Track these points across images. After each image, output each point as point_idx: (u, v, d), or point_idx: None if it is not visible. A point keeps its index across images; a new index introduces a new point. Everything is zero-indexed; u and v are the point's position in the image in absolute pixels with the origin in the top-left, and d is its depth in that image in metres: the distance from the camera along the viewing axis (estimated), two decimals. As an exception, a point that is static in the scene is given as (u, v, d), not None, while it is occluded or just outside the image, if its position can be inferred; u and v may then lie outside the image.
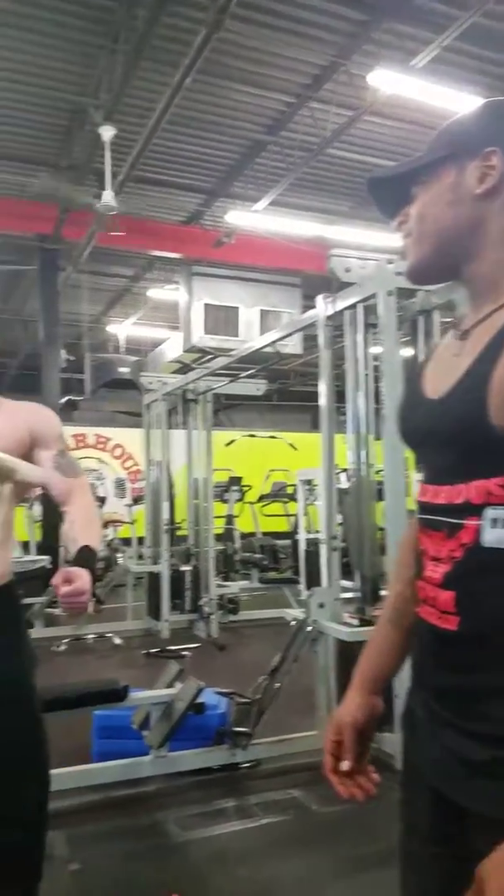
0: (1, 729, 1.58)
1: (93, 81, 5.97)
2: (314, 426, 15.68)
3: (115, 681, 3.00)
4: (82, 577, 1.51)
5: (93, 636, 6.03)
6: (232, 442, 8.53)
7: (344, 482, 3.79)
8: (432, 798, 0.95)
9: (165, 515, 6.20)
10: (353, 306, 3.33)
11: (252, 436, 9.40)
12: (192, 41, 4.77)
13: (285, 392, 14.00)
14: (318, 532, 5.78)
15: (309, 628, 3.12)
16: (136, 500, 8.74)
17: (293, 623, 3.24)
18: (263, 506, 9.01)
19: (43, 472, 1.70)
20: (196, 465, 6.55)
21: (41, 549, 7.67)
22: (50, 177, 7.37)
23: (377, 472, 3.36)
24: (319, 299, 3.48)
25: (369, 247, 7.50)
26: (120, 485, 12.97)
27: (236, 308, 8.63)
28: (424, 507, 0.97)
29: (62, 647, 5.73)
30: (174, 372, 8.75)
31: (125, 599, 6.63)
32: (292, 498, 8.21)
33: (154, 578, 6.22)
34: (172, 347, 9.71)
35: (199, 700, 2.93)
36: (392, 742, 2.61)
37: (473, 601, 0.88)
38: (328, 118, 6.39)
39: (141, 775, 3.01)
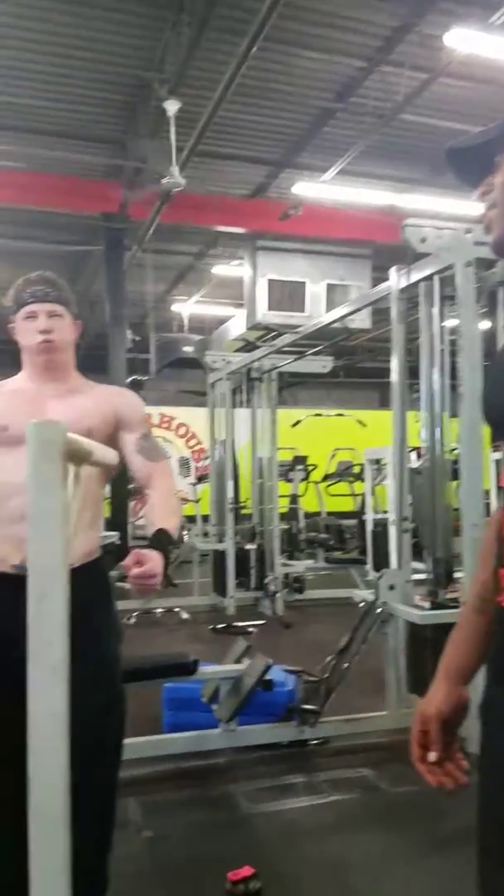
0: (90, 702, 1.63)
1: (157, 55, 5.93)
2: (382, 404, 15.44)
3: (186, 655, 3.03)
4: (153, 559, 1.51)
5: (161, 610, 6.14)
6: (298, 423, 8.45)
7: (414, 461, 3.69)
8: None
9: (230, 494, 6.23)
10: (428, 278, 3.21)
11: (318, 415, 9.27)
12: (258, 8, 4.64)
13: (352, 369, 13.76)
14: (385, 512, 5.71)
15: (378, 610, 3.07)
16: (201, 479, 8.81)
17: (362, 604, 3.19)
18: (329, 485, 8.92)
19: (116, 455, 1.72)
20: (260, 444, 6.53)
21: (110, 526, 7.85)
22: (116, 154, 7.41)
23: (451, 450, 3.26)
24: (393, 271, 3.37)
25: (445, 215, 7.22)
26: (184, 464, 13.12)
27: (302, 283, 8.47)
28: None
29: (132, 620, 5.85)
30: (238, 350, 8.72)
31: (191, 575, 6.71)
32: (359, 477, 8.10)
33: (219, 556, 6.27)
34: (236, 325, 9.67)
35: (268, 677, 2.93)
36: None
37: None
38: (401, 82, 6.15)
39: (210, 747, 3.05)
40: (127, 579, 1.56)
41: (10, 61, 6.07)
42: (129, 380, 9.92)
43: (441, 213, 7.41)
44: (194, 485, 8.78)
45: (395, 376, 3.35)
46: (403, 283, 3.30)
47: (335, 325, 4.77)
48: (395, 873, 2.26)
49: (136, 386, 13.15)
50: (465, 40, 5.04)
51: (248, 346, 8.48)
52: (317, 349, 5.95)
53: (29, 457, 1.06)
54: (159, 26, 5.58)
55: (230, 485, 6.26)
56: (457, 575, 3.15)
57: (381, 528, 5.30)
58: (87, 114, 6.97)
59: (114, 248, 8.56)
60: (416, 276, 3.25)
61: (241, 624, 5.41)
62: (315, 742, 3.13)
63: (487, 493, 3.02)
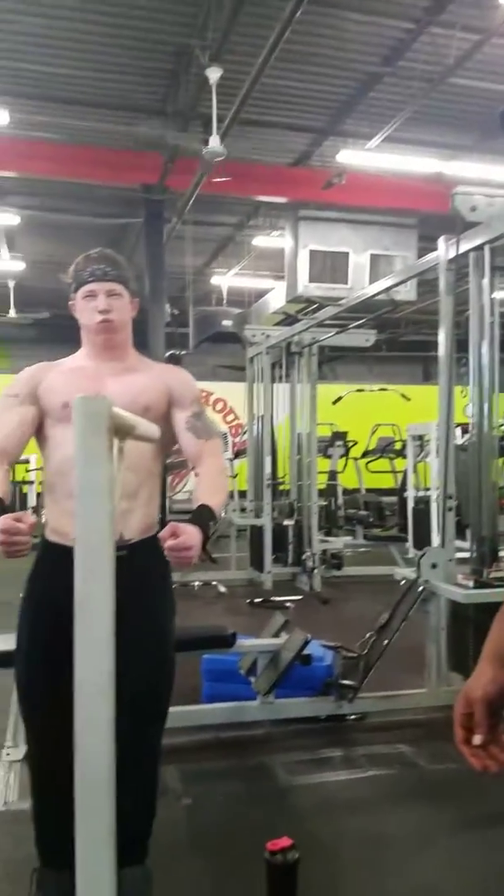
0: (146, 670, 1.69)
1: (199, 21, 5.81)
2: (426, 378, 15.22)
3: (224, 627, 3.05)
4: (189, 533, 1.52)
5: (198, 584, 6.19)
6: (339, 399, 8.33)
7: (459, 438, 3.61)
8: None
9: (268, 470, 6.21)
10: (479, 248, 3.10)
11: (360, 390, 9.12)
12: (303, -31, 4.51)
13: (395, 342, 13.52)
14: (427, 490, 5.63)
15: (420, 588, 3.03)
16: (238, 454, 8.81)
17: (403, 582, 3.16)
18: (369, 461, 8.82)
19: (158, 430, 1.75)
20: (299, 419, 6.48)
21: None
22: (155, 124, 7.32)
23: (498, 427, 3.17)
24: (441, 241, 3.27)
25: (496, 182, 7.00)
26: (222, 439, 13.15)
27: (345, 253, 8.30)
28: None
29: (169, 593, 5.91)
30: (277, 324, 8.63)
31: (228, 550, 6.74)
32: (400, 454, 8.00)
33: (257, 531, 6.28)
34: (276, 298, 9.56)
35: (306, 652, 2.93)
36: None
37: None
38: (451, 44, 5.93)
39: (248, 719, 3.07)
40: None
41: (49, 31, 6.02)
42: (167, 354, 9.95)
43: (491, 180, 7.17)
44: (231, 460, 8.79)
45: (442, 350, 3.26)
46: (452, 254, 3.19)
47: (379, 297, 4.66)
48: (431, 849, 2.25)
49: (173, 361, 13.19)
50: (521, -3, 4.80)
51: (288, 320, 8.39)
52: (359, 322, 5.82)
53: (76, 431, 1.07)
54: (201, -9, 5.47)
55: (268, 460, 6.23)
56: (502, 554, 3.10)
57: (422, 505, 5.23)
58: (127, 83, 6.89)
59: (153, 220, 8.51)
60: (465, 246, 3.14)
61: (278, 599, 5.45)
62: (353, 717, 3.13)
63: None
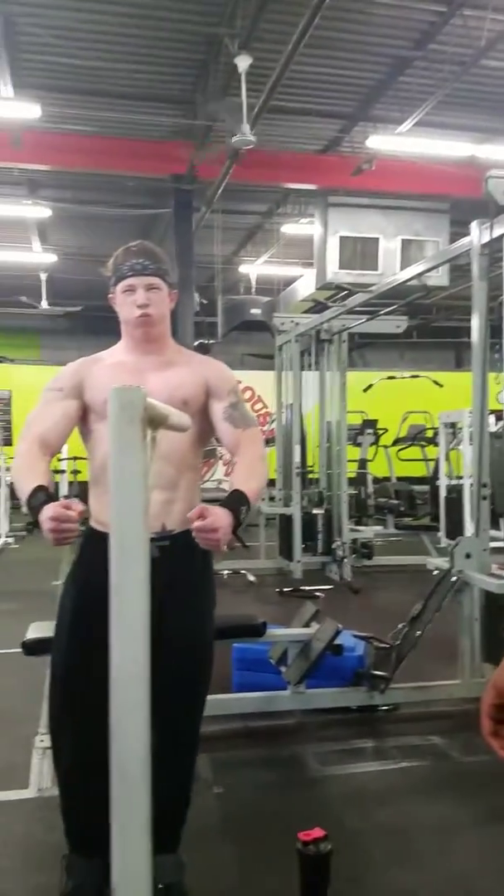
0: (186, 659, 1.71)
1: (227, 10, 5.78)
2: (458, 364, 15.00)
3: (254, 616, 3.04)
4: (217, 515, 1.52)
5: (227, 572, 6.21)
6: (370, 387, 8.24)
7: (493, 425, 3.55)
8: None
9: (297, 458, 6.19)
10: (513, 232, 3.03)
11: (391, 377, 9.00)
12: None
13: (426, 328, 13.35)
14: (459, 478, 5.55)
15: (454, 578, 2.99)
16: (267, 443, 8.78)
17: (435, 572, 3.12)
18: (399, 449, 8.73)
19: (189, 420, 1.75)
20: (329, 407, 6.44)
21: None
22: (184, 114, 7.31)
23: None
24: (474, 226, 3.20)
25: (529, 167, 6.84)
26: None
27: (376, 239, 8.21)
28: None
29: (199, 581, 5.95)
30: (306, 311, 8.58)
31: (258, 539, 6.74)
32: (432, 441, 7.90)
33: (286, 520, 6.27)
34: (305, 285, 9.49)
35: (337, 641, 2.91)
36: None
37: None
38: (483, 26, 5.80)
39: (279, 709, 3.07)
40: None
41: (80, 24, 6.04)
42: (196, 343, 9.97)
43: (525, 164, 7.01)
44: (260, 448, 8.76)
45: (475, 336, 3.20)
46: (486, 238, 3.12)
47: (411, 282, 4.60)
48: (464, 842, 2.24)
49: (202, 350, 13.20)
50: None
51: (317, 307, 8.33)
52: (390, 308, 5.75)
53: (110, 421, 1.08)
54: (230, -21, 5.42)
55: (297, 449, 6.21)
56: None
57: (455, 494, 5.16)
58: (156, 74, 6.89)
59: (182, 210, 8.52)
60: (499, 231, 3.07)
61: (308, 588, 5.46)
62: (385, 708, 3.11)
63: None
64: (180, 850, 1.87)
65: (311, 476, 6.75)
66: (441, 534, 5.50)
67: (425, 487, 7.49)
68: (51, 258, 11.42)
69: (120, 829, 1.07)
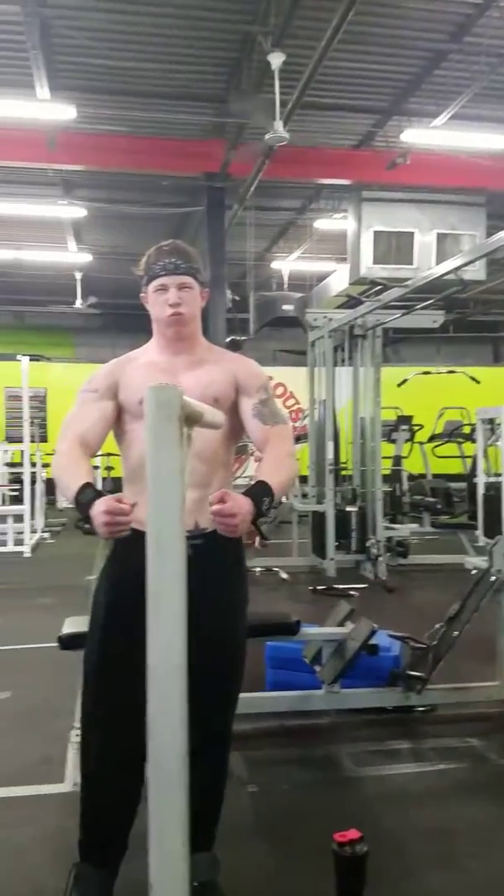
0: (219, 657, 1.72)
1: (261, 7, 5.77)
2: (496, 359, 14.74)
3: (288, 615, 3.04)
4: (237, 501, 1.52)
5: (260, 569, 6.20)
6: (404, 381, 8.13)
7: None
8: None
9: (330, 455, 6.15)
10: None
11: (427, 373, 8.87)
12: None
13: (463, 323, 13.17)
14: (498, 475, 5.46)
15: (493, 578, 2.94)
16: (298, 439, 8.74)
17: (474, 571, 3.07)
18: (435, 446, 8.60)
19: (223, 417, 1.75)
20: (362, 403, 6.38)
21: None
22: (217, 113, 7.31)
23: None
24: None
25: None
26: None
27: (410, 233, 8.13)
28: None
29: (232, 578, 5.95)
30: (339, 307, 8.51)
31: (290, 536, 6.72)
32: (469, 438, 7.77)
33: (319, 517, 6.23)
34: (338, 280, 9.43)
35: (373, 641, 2.88)
36: None
37: None
38: (521, 16, 5.68)
39: (313, 708, 3.05)
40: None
41: (115, 25, 6.09)
42: (227, 340, 9.98)
43: None
44: (292, 445, 8.72)
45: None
46: (526, 232, 3.05)
47: (447, 277, 4.52)
48: (501, 845, 2.20)
49: (234, 347, 13.20)
50: None
51: (350, 302, 8.26)
52: (426, 303, 5.66)
53: (147, 419, 1.09)
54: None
55: (330, 445, 6.17)
56: None
57: (493, 491, 5.07)
58: (189, 73, 6.91)
59: (215, 208, 8.53)
60: (540, 224, 2.99)
61: (341, 586, 5.41)
62: (421, 709, 3.07)
63: None
64: (215, 849, 1.88)
65: (344, 473, 6.70)
66: (479, 532, 5.41)
67: (462, 485, 7.38)
68: (86, 258, 11.55)
69: (158, 826, 1.07)
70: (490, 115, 7.39)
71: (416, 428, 8.29)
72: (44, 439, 10.26)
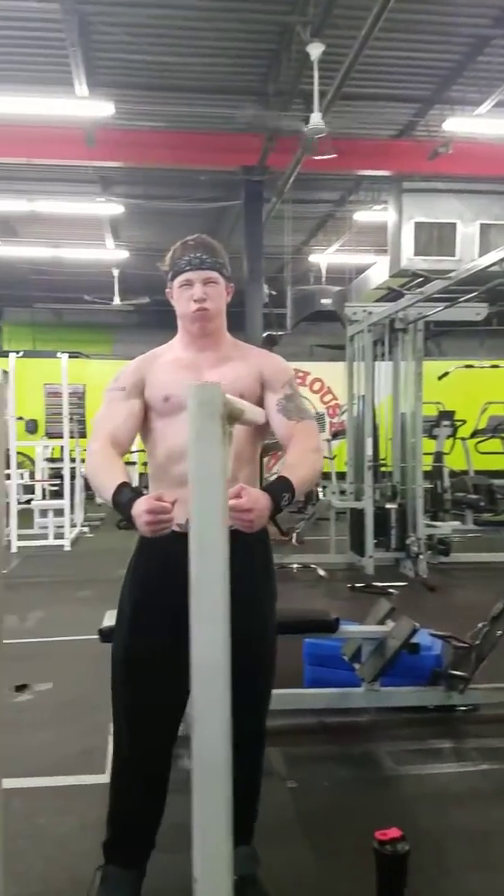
0: (250, 654, 1.72)
1: (300, -2, 5.71)
2: (542, 352, 14.22)
3: (327, 612, 3.02)
4: (254, 496, 1.50)
5: (297, 566, 6.19)
6: (446, 374, 7.99)
7: None
8: None
9: (369, 451, 6.08)
10: None
11: (469, 366, 8.70)
12: None
13: (506, 315, 12.90)
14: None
15: (538, 576, 2.87)
16: (336, 435, 8.69)
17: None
18: (478, 442, 8.45)
19: (263, 414, 1.76)
20: (403, 398, 6.30)
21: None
22: (256, 106, 7.27)
23: None
24: None
25: None
26: (319, 419, 13.03)
27: (453, 224, 7.99)
28: None
29: (268, 574, 5.94)
30: (379, 300, 8.41)
31: (328, 533, 6.68)
32: (513, 434, 7.62)
33: (357, 514, 6.17)
34: (378, 273, 9.32)
35: (414, 640, 2.85)
36: None
37: None
38: None
39: (353, 705, 3.03)
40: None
41: (153, 21, 6.10)
42: (264, 335, 9.97)
43: None
44: (329, 441, 8.69)
45: None
46: None
47: (491, 268, 4.41)
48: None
49: (270, 342, 13.17)
50: None
51: (390, 295, 8.17)
52: (470, 295, 5.53)
53: (191, 417, 1.09)
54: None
55: (369, 441, 6.10)
56: None
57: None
58: (227, 66, 6.89)
59: (253, 202, 8.51)
60: None
61: (380, 584, 5.37)
62: (463, 708, 3.02)
63: None
64: (254, 843, 1.88)
65: (383, 469, 6.63)
66: (524, 530, 5.31)
67: (508, 482, 7.24)
68: (123, 254, 11.64)
69: (201, 821, 1.07)
70: (535, 102, 7.21)
71: (458, 423, 8.15)
72: (83, 435, 10.38)
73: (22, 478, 9.38)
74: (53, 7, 5.76)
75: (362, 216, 10.04)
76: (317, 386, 13.77)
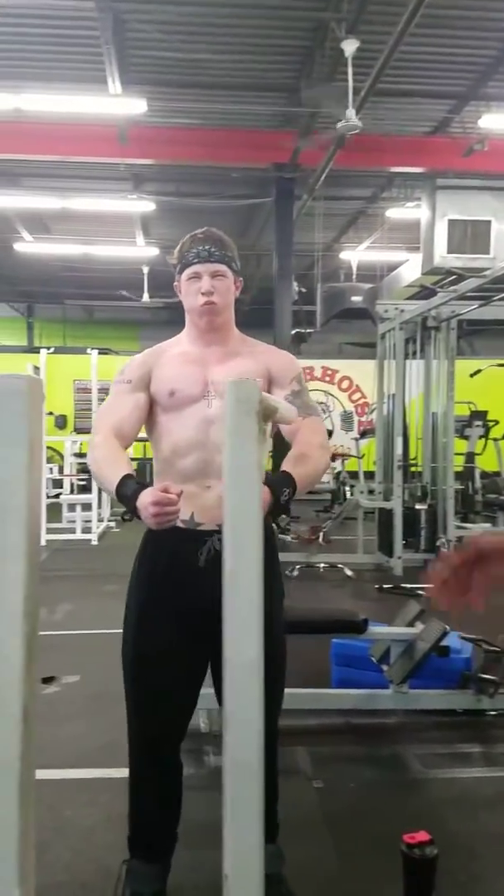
0: (266, 653, 1.67)
1: (335, -7, 5.66)
2: None
3: (356, 613, 3.00)
4: None
5: (323, 565, 6.16)
6: (477, 372, 7.88)
7: None
8: None
9: (399, 451, 6.02)
10: None
11: (502, 365, 8.58)
12: None
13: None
14: None
15: None
16: (364, 434, 8.63)
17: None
18: (511, 443, 8.33)
19: (296, 411, 1.72)
20: (434, 397, 6.23)
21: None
22: (288, 102, 7.25)
23: None
24: None
25: None
26: (347, 418, 12.95)
27: (487, 221, 7.86)
28: None
29: (294, 573, 5.94)
30: (410, 298, 8.32)
31: (355, 532, 6.64)
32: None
33: (386, 514, 6.13)
34: (410, 270, 9.23)
35: (444, 643, 2.82)
36: None
37: None
38: None
39: (380, 707, 3.01)
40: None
41: (187, 18, 6.10)
42: (293, 333, 9.94)
43: None
44: (357, 440, 8.64)
45: None
46: None
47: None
48: None
49: (298, 339, 13.11)
50: None
51: (423, 293, 8.08)
52: (505, 294, 5.45)
53: (227, 414, 1.07)
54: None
55: (399, 441, 6.05)
56: None
57: None
58: (260, 63, 6.87)
59: (284, 199, 8.48)
60: None
61: (409, 586, 5.32)
62: (493, 713, 2.99)
63: None
64: (279, 841, 1.87)
65: (413, 469, 6.57)
66: None
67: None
68: (153, 251, 11.69)
69: (233, 819, 1.06)
70: None
71: (490, 423, 8.05)
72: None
73: (51, 472, 9.50)
74: (88, 5, 5.80)
75: (395, 213, 9.94)
76: (345, 384, 13.70)
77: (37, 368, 7.71)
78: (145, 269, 12.58)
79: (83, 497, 8.06)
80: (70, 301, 15.56)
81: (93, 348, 8.38)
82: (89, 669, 3.56)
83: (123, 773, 2.50)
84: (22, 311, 17.01)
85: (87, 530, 7.63)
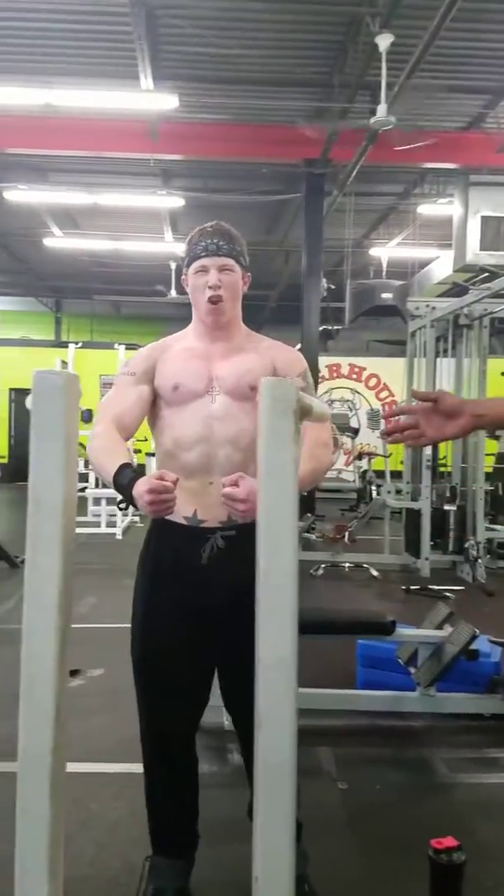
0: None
1: (370, -12, 5.59)
2: None
3: (383, 614, 2.97)
4: (248, 486, 1.47)
5: (349, 565, 6.12)
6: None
7: None
8: None
9: (428, 451, 5.96)
10: None
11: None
12: None
13: None
14: None
15: None
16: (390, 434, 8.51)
17: None
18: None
19: (329, 410, 1.69)
20: (466, 396, 6.14)
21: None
22: (320, 98, 7.19)
23: None
24: None
25: None
26: (374, 416, 12.85)
27: (522, 218, 7.74)
28: None
29: (319, 572, 5.91)
30: (441, 295, 8.22)
31: (381, 532, 6.59)
32: None
33: (413, 515, 6.07)
34: (441, 267, 9.11)
35: (473, 646, 2.77)
36: None
37: None
38: None
39: (406, 710, 2.98)
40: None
41: (220, 13, 6.08)
42: (320, 329, 9.87)
43: None
44: (384, 438, 8.55)
45: None
46: None
47: None
48: None
49: (325, 336, 13.02)
50: None
51: (455, 290, 7.98)
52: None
53: (262, 413, 1.07)
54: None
55: (428, 441, 5.97)
56: None
57: None
58: (293, 58, 6.82)
59: (314, 195, 8.42)
60: None
61: (436, 587, 5.26)
62: (522, 719, 2.94)
63: None
64: (303, 843, 1.86)
65: (442, 469, 6.49)
66: None
67: None
68: (181, 247, 11.71)
69: (264, 820, 1.06)
70: None
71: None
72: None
73: (77, 466, 9.55)
74: (122, 0, 5.81)
75: (426, 209, 9.81)
76: (373, 382, 13.60)
77: (64, 363, 7.77)
78: (173, 265, 12.61)
79: (108, 491, 8.11)
80: (98, 296, 15.66)
81: (120, 343, 8.43)
82: (113, 663, 3.57)
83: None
84: (50, 305, 17.18)
85: (111, 525, 7.68)
